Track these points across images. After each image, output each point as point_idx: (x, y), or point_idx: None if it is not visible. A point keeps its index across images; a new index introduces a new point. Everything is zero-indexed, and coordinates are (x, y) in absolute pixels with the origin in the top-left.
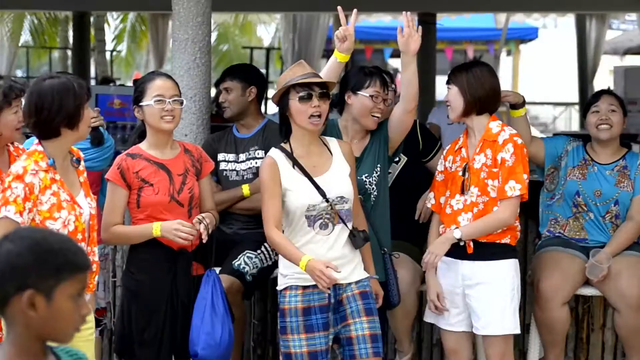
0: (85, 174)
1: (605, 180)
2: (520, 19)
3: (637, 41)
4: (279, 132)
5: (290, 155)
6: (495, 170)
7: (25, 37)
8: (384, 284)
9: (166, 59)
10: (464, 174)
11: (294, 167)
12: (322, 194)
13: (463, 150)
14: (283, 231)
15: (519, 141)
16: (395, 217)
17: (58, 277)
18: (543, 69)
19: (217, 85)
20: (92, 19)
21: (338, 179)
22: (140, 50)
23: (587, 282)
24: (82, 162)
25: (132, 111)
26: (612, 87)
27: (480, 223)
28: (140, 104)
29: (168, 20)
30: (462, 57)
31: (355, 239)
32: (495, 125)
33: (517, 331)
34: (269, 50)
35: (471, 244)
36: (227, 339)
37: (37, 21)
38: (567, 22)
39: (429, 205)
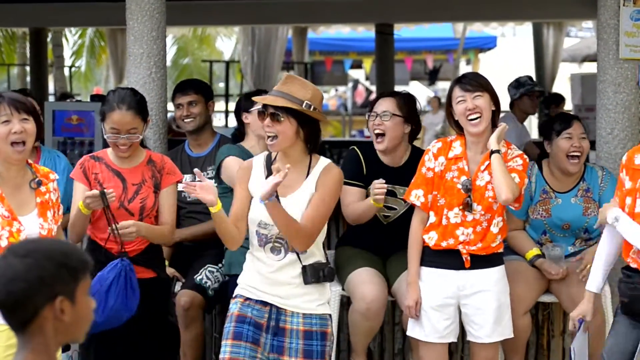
0: (49, 196)
1: (572, 210)
2: (478, 28)
3: (594, 48)
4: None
5: (268, 165)
6: None
7: None
8: None
9: (126, 74)
10: (466, 191)
11: (266, 178)
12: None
13: (463, 162)
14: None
15: (527, 160)
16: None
17: (76, 278)
18: (502, 77)
19: (176, 98)
20: (49, 35)
21: (299, 205)
22: (100, 66)
23: (547, 290)
24: (51, 184)
25: (89, 127)
26: (569, 94)
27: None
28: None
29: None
30: (421, 67)
31: (307, 276)
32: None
33: (512, 335)
34: (228, 63)
35: (469, 258)
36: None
37: None
38: (525, 30)
39: (418, 204)
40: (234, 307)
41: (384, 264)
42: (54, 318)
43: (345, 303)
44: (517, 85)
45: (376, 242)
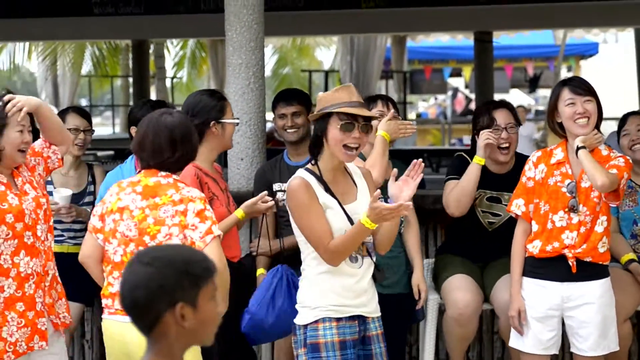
0: None
1: None
2: (579, 35)
3: None
4: (310, 152)
5: (320, 179)
6: None
7: (87, 66)
8: (409, 298)
9: (225, 84)
10: (572, 193)
11: (326, 192)
12: (352, 223)
13: (566, 166)
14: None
15: (630, 161)
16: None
17: (198, 285)
18: (605, 84)
19: (278, 108)
20: (151, 47)
21: (364, 210)
22: (201, 76)
23: None
24: None
25: None
26: None
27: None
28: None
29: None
30: (522, 75)
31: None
32: (603, 147)
33: (618, 348)
34: (327, 72)
35: (575, 263)
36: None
37: (98, 51)
38: (628, 36)
39: (518, 213)
40: (329, 334)
41: (482, 272)
42: (175, 323)
43: (444, 312)
44: None
45: (478, 249)
